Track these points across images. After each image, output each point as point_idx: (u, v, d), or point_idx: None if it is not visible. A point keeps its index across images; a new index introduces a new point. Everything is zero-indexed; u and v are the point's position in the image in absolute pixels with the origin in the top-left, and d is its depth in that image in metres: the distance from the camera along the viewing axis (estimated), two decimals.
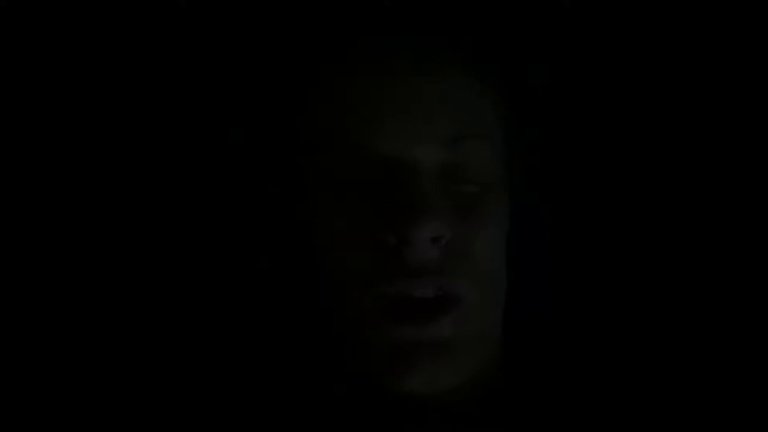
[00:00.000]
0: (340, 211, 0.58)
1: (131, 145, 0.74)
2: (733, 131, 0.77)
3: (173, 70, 0.73)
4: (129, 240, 0.73)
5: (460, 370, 0.58)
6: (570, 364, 0.66)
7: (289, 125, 0.62)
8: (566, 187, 0.77)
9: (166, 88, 0.73)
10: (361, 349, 0.58)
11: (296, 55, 0.62)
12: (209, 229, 0.71)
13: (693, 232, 0.77)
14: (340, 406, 0.60)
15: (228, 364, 0.65)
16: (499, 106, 0.62)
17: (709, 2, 0.77)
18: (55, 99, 0.74)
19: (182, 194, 0.73)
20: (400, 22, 0.60)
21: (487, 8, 0.64)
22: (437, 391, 0.57)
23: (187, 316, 0.70)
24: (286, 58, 0.62)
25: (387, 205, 0.56)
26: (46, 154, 0.74)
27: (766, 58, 0.77)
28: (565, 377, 0.65)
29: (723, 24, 0.77)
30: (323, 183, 0.59)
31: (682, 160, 0.77)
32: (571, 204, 0.77)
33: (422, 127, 0.57)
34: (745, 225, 0.76)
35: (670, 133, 0.77)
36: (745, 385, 0.68)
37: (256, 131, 0.65)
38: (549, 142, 0.74)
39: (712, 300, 0.75)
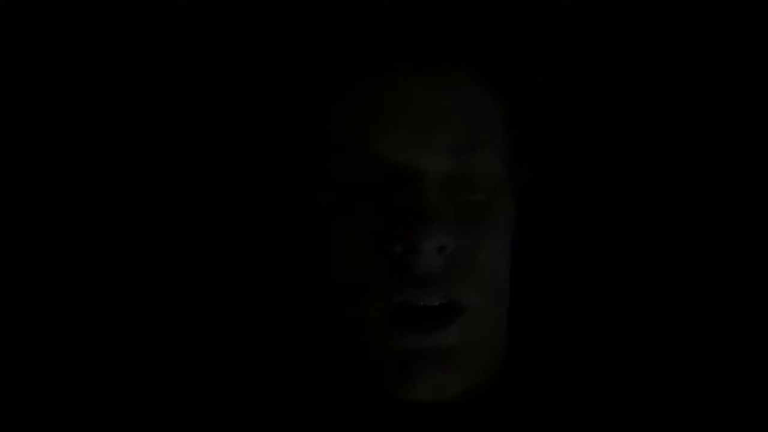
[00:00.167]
0: (346, 220, 0.58)
1: (132, 145, 0.74)
2: (735, 132, 0.77)
3: (176, 71, 0.73)
4: (134, 244, 0.73)
5: (465, 377, 0.58)
6: (574, 370, 0.66)
7: (297, 133, 0.62)
8: (570, 190, 0.77)
9: (170, 89, 0.73)
10: (367, 358, 0.58)
11: (304, 63, 0.62)
12: (216, 235, 0.71)
13: (696, 235, 0.77)
14: (346, 414, 0.60)
15: (233, 370, 0.65)
16: (503, 110, 0.62)
17: (709, 2, 0.77)
18: (58, 99, 0.74)
19: (189, 200, 0.73)
20: (404, 30, 0.60)
21: (488, 12, 0.64)
22: (443, 398, 0.57)
23: (193, 323, 0.70)
24: (294, 67, 0.62)
25: (393, 214, 0.56)
26: (48, 154, 0.74)
27: (766, 58, 0.76)
28: (569, 383, 0.65)
29: (723, 24, 0.77)
30: (330, 192, 0.59)
31: (685, 162, 0.77)
32: (575, 208, 0.77)
33: (428, 135, 0.57)
34: (747, 230, 0.76)
35: (674, 136, 0.77)
36: (746, 386, 0.68)
37: (263, 139, 0.65)
38: (552, 145, 0.74)
39: (715, 304, 0.75)
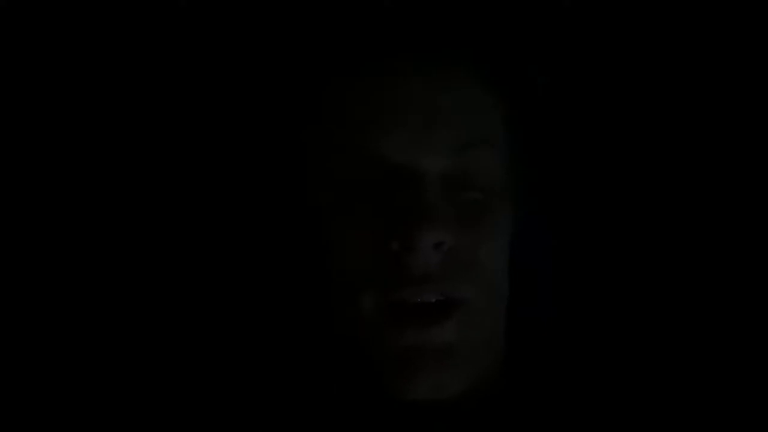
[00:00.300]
0: (344, 218, 0.58)
1: (131, 145, 0.74)
2: (735, 132, 0.77)
3: (176, 71, 0.73)
4: (134, 243, 0.73)
5: (464, 376, 0.58)
6: (574, 370, 0.66)
7: (297, 133, 0.62)
8: (570, 190, 0.77)
9: (170, 89, 0.73)
10: (366, 357, 0.58)
11: (304, 63, 0.62)
12: (216, 234, 0.71)
13: (696, 237, 0.77)
14: (345, 414, 0.60)
15: (232, 369, 0.65)
16: (503, 110, 0.62)
17: (709, 2, 0.77)
18: (58, 99, 0.74)
19: (188, 198, 0.73)
20: (404, 30, 0.60)
21: (488, 12, 0.64)
22: (442, 398, 0.57)
23: (193, 322, 0.70)
24: (294, 67, 0.62)
25: (391, 212, 0.56)
26: (49, 154, 0.74)
27: (766, 58, 0.76)
28: (569, 383, 0.65)
29: (723, 24, 0.77)
30: (330, 192, 0.59)
31: (685, 162, 0.77)
32: (574, 208, 0.77)
33: (427, 135, 0.58)
34: (747, 230, 0.76)
35: (674, 136, 0.77)
36: (746, 386, 0.68)
37: (263, 139, 0.65)
38: (552, 145, 0.74)
39: (714, 304, 0.75)
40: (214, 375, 0.65)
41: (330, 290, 0.59)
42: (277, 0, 0.65)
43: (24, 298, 0.73)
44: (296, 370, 0.63)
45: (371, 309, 0.57)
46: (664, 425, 0.63)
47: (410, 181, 0.57)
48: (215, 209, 0.71)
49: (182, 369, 0.67)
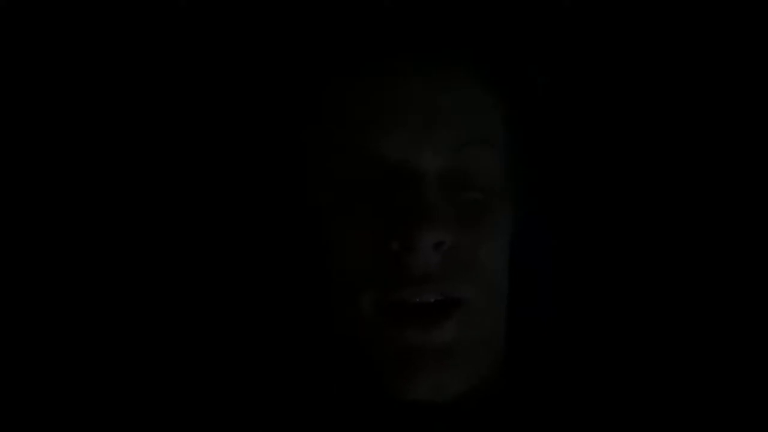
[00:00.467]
0: (344, 218, 0.58)
1: (132, 145, 0.74)
2: (735, 132, 0.77)
3: (176, 71, 0.73)
4: (133, 243, 0.73)
5: (464, 377, 0.58)
6: (574, 370, 0.66)
7: (297, 133, 0.62)
8: (570, 191, 0.77)
9: (170, 90, 0.73)
10: (366, 357, 0.58)
11: (304, 63, 0.62)
12: (216, 234, 0.71)
13: (696, 236, 0.77)
14: (346, 414, 0.60)
15: (232, 368, 0.65)
16: (503, 110, 0.62)
17: (709, 2, 0.77)
18: (58, 99, 0.74)
19: (187, 197, 0.73)
20: (404, 30, 0.60)
21: (488, 12, 0.64)
22: (443, 398, 0.57)
23: (191, 322, 0.70)
24: (294, 67, 0.62)
25: (390, 211, 0.56)
26: (48, 154, 0.74)
27: (766, 58, 0.76)
28: (569, 383, 0.65)
29: (723, 24, 0.77)
30: (328, 189, 0.59)
31: (685, 162, 0.77)
32: (574, 208, 0.77)
33: (426, 134, 0.57)
34: (747, 230, 0.76)
35: (674, 136, 0.77)
36: (746, 386, 0.68)
37: (263, 139, 0.65)
38: (552, 145, 0.74)
39: (714, 303, 0.75)
40: (213, 375, 0.65)
41: (330, 290, 0.59)
42: (277, 0, 0.65)
43: (24, 298, 0.73)
44: (296, 370, 0.63)
45: (371, 309, 0.57)
46: (663, 425, 0.63)
47: (410, 181, 0.57)
48: (215, 209, 0.71)
49: (182, 369, 0.67)
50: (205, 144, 0.72)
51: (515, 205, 0.63)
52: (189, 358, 0.67)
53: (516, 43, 0.66)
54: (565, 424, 0.62)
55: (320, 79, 0.61)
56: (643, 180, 0.77)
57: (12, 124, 0.74)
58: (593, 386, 0.65)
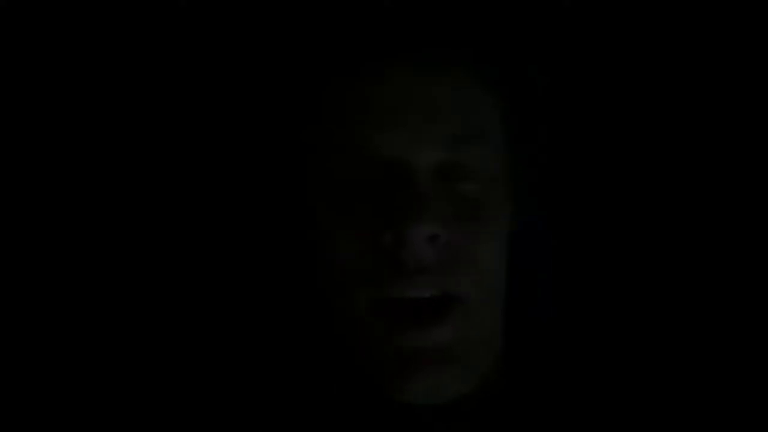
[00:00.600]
0: (339, 212, 0.58)
1: (132, 145, 0.74)
2: (735, 132, 0.77)
3: (176, 71, 0.73)
4: (132, 242, 0.73)
5: (463, 377, 0.58)
6: (574, 370, 0.66)
7: (296, 131, 0.62)
8: (570, 190, 0.77)
9: (170, 90, 0.73)
10: (364, 356, 0.58)
11: (304, 63, 0.62)
12: (216, 233, 0.71)
13: (695, 233, 0.77)
14: (343, 414, 0.60)
15: (229, 367, 0.65)
16: (501, 106, 0.62)
17: (709, 2, 0.77)
18: (58, 99, 0.74)
19: (184, 195, 0.73)
20: (401, 25, 0.60)
21: (487, 9, 0.64)
22: (442, 399, 0.57)
23: (188, 318, 0.70)
24: (294, 67, 0.62)
25: (384, 205, 0.56)
26: (49, 154, 0.74)
27: (766, 58, 0.76)
28: (568, 383, 0.65)
29: (723, 24, 0.77)
30: (324, 184, 0.59)
31: (685, 162, 0.77)
32: (574, 206, 0.77)
33: (420, 128, 0.57)
34: (747, 229, 0.76)
35: (673, 136, 0.77)
36: (746, 386, 0.68)
37: (264, 138, 0.65)
38: (552, 144, 0.74)
39: (715, 303, 0.75)
40: (211, 373, 0.65)
41: (327, 285, 0.59)
42: (277, 1, 0.65)
43: (24, 298, 0.73)
44: (295, 370, 0.63)
45: (367, 307, 0.57)
46: (663, 425, 0.63)
47: (405, 177, 0.57)
48: (215, 208, 0.71)
49: (180, 368, 0.67)
50: (206, 143, 0.72)
51: (514, 204, 0.63)
52: (187, 358, 0.68)
53: (516, 42, 0.66)
54: (564, 424, 0.62)
55: (320, 79, 0.61)
56: (643, 180, 0.77)
57: (12, 124, 0.74)
58: (593, 386, 0.65)
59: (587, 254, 0.77)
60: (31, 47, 0.74)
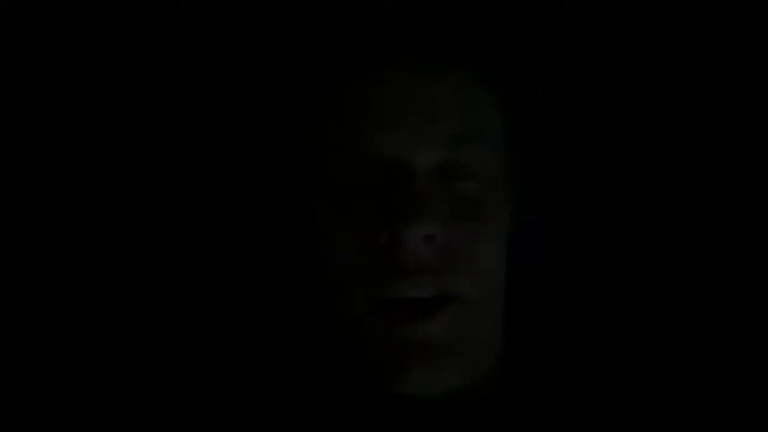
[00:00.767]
0: (339, 212, 0.58)
1: (132, 146, 0.74)
2: (734, 131, 0.77)
3: (176, 71, 0.73)
4: (132, 241, 0.74)
5: (459, 372, 0.58)
6: (574, 370, 0.66)
7: (296, 130, 0.62)
8: (569, 188, 0.77)
9: (170, 90, 0.73)
10: (359, 350, 0.58)
11: (304, 64, 0.62)
12: (214, 230, 0.71)
13: (696, 234, 0.77)
14: (343, 410, 0.61)
15: (227, 364, 0.65)
16: (501, 106, 0.62)
17: (709, 2, 0.77)
18: (58, 99, 0.74)
19: (184, 195, 0.73)
20: (401, 25, 0.60)
21: (487, 9, 0.64)
22: (437, 393, 0.57)
23: (188, 317, 0.71)
24: (295, 67, 0.62)
25: (382, 205, 0.56)
26: (49, 154, 0.74)
27: (766, 58, 0.77)
28: (568, 383, 0.65)
29: (723, 24, 0.77)
30: (324, 184, 0.59)
31: (685, 162, 0.77)
32: (574, 206, 0.77)
33: (420, 127, 0.57)
34: (747, 229, 0.76)
35: (673, 136, 0.77)
36: (745, 386, 0.68)
37: (264, 138, 0.65)
38: (552, 144, 0.74)
39: (714, 303, 0.75)
40: (211, 372, 0.65)
41: (325, 284, 0.59)
42: (277, 0, 0.65)
43: (24, 299, 0.73)
44: (295, 368, 0.63)
45: (365, 304, 0.57)
46: (663, 425, 0.63)
47: (403, 177, 0.57)
48: (216, 208, 0.71)
49: (179, 366, 0.67)
50: (206, 143, 0.72)
51: (514, 204, 0.63)
52: (187, 357, 0.68)
53: (516, 42, 0.66)
54: (564, 424, 0.62)
55: (321, 79, 0.61)
56: (643, 180, 0.77)
57: (12, 124, 0.74)
58: (593, 386, 0.65)
59: (587, 254, 0.77)
60: (31, 47, 0.74)
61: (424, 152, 0.57)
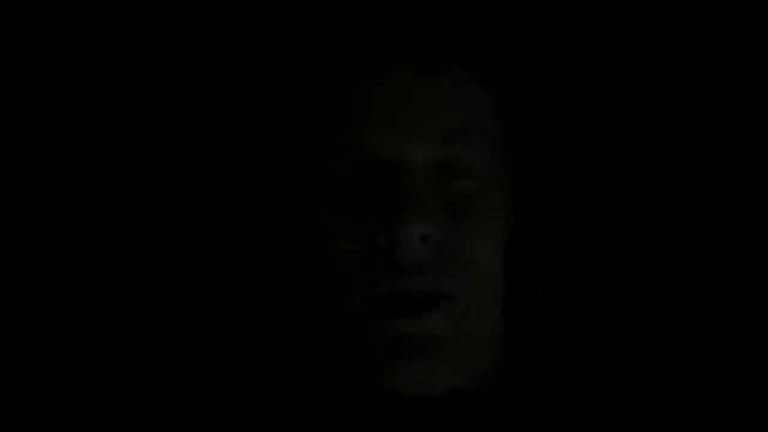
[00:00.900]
0: (338, 212, 0.59)
1: (132, 146, 0.74)
2: (734, 131, 0.77)
3: (176, 71, 0.73)
4: (132, 241, 0.74)
5: (455, 370, 0.58)
6: (574, 370, 0.66)
7: (295, 130, 0.62)
8: (569, 188, 0.77)
9: (170, 90, 0.73)
10: (357, 349, 0.58)
11: (304, 63, 0.62)
12: (214, 230, 0.71)
13: (696, 234, 0.77)
14: (340, 409, 0.61)
15: (228, 365, 0.65)
16: (499, 106, 0.62)
17: (709, 2, 0.77)
18: (58, 99, 0.74)
19: (184, 195, 0.73)
20: (400, 25, 0.60)
21: (486, 8, 0.64)
22: (432, 390, 0.57)
23: (188, 317, 0.71)
24: (294, 67, 0.62)
25: (378, 204, 0.57)
26: (48, 154, 0.74)
27: (766, 58, 0.77)
28: (569, 383, 0.65)
29: (723, 24, 0.77)
30: (324, 184, 0.59)
31: (685, 162, 0.77)
32: (573, 205, 0.77)
33: (420, 127, 0.57)
34: (747, 229, 0.76)
35: (673, 135, 0.77)
36: (745, 386, 0.68)
37: (263, 138, 0.65)
38: (552, 144, 0.74)
39: (714, 303, 0.75)
40: (209, 371, 0.65)
41: (323, 283, 0.60)
42: (277, 1, 0.65)
43: (24, 299, 0.73)
44: (294, 368, 0.63)
45: (362, 303, 0.57)
46: (663, 425, 0.63)
47: (399, 176, 0.57)
48: (215, 208, 0.72)
49: (178, 366, 0.67)
50: (206, 143, 0.72)
51: (513, 204, 0.63)
52: (186, 356, 0.68)
53: (516, 42, 0.66)
54: (564, 424, 0.62)
55: (320, 79, 0.61)
56: (643, 180, 0.77)
57: (13, 124, 0.74)
58: (593, 386, 0.65)
59: (587, 254, 0.77)
60: (31, 47, 0.74)
61: (421, 151, 0.57)
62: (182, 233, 0.73)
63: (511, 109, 0.63)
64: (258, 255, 0.70)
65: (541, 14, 0.72)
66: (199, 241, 0.73)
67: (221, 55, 0.71)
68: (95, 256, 0.74)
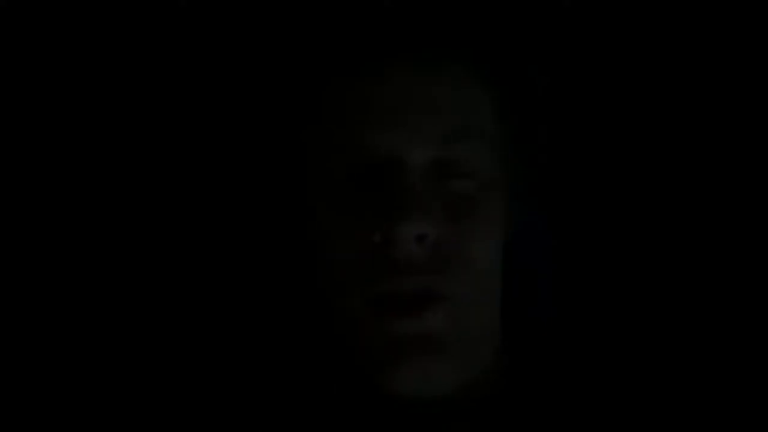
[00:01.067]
0: (337, 211, 0.59)
1: (132, 146, 0.74)
2: (734, 131, 0.77)
3: (176, 71, 0.73)
4: (132, 241, 0.74)
5: (453, 369, 0.57)
6: (574, 370, 0.66)
7: (295, 130, 0.62)
8: (569, 188, 0.77)
9: (170, 90, 0.73)
10: (357, 349, 0.58)
11: (304, 63, 0.62)
12: (213, 230, 0.71)
13: (696, 234, 0.77)
14: (340, 410, 0.61)
15: (228, 365, 0.65)
16: (499, 106, 0.62)
17: (709, 2, 0.77)
18: (58, 99, 0.74)
19: (183, 194, 0.73)
20: (400, 25, 0.60)
21: (488, 12, 0.64)
22: (431, 390, 0.57)
23: (187, 317, 0.71)
24: (294, 67, 0.62)
25: (377, 204, 0.57)
26: (48, 154, 0.74)
27: (766, 58, 0.77)
28: (569, 383, 0.65)
29: (723, 24, 0.77)
30: (324, 184, 0.59)
31: (685, 162, 0.77)
32: (573, 205, 0.77)
33: (420, 127, 0.57)
34: (746, 228, 0.76)
35: (673, 135, 0.77)
36: (745, 386, 0.68)
37: (263, 138, 0.65)
38: (552, 144, 0.74)
39: (714, 303, 0.75)
40: (209, 371, 0.65)
41: (322, 282, 0.60)
42: (277, 0, 0.65)
43: (24, 299, 0.73)
44: (294, 368, 0.63)
45: (358, 302, 0.57)
46: (663, 425, 0.63)
47: (396, 175, 0.57)
48: (215, 207, 0.72)
49: (178, 365, 0.67)
50: (206, 143, 0.72)
51: (513, 204, 0.63)
52: (186, 356, 0.68)
53: (516, 42, 0.66)
54: (564, 424, 0.62)
55: (320, 79, 0.61)
56: (643, 180, 0.77)
57: (13, 124, 0.74)
58: (593, 386, 0.65)
59: (587, 254, 0.77)
60: (32, 47, 0.74)
61: (421, 150, 0.57)
62: (182, 233, 0.73)
63: (511, 109, 0.63)
64: (258, 255, 0.70)
65: (541, 14, 0.72)
66: (199, 241, 0.73)
67: (221, 55, 0.71)
68: (95, 256, 0.74)
